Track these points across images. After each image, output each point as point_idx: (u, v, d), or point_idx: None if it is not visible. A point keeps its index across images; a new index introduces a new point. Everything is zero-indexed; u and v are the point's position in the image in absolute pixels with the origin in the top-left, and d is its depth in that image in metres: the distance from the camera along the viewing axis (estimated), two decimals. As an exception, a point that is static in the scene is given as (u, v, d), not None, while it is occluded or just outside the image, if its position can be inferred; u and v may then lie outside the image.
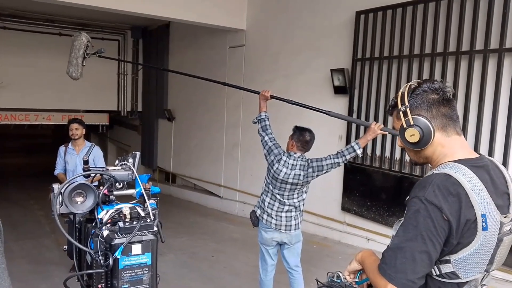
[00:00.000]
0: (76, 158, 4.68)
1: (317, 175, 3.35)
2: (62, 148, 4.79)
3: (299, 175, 3.32)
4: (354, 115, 5.57)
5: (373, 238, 5.41)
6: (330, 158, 3.32)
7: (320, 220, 6.20)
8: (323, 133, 5.61)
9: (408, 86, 1.44)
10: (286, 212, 3.42)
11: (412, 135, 1.39)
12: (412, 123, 1.39)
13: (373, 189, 5.40)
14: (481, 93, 4.36)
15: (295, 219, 3.46)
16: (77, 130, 4.65)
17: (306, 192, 3.51)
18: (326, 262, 5.14)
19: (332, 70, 5.72)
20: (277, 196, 3.41)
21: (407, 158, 5.00)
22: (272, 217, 3.43)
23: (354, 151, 3.30)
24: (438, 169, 1.34)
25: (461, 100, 4.51)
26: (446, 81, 4.59)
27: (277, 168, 3.35)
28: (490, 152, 4.25)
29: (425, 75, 4.78)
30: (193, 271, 5.04)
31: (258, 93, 3.62)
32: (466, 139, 4.54)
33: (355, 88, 5.58)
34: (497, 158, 4.21)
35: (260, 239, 3.56)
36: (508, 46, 4.16)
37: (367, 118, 5.41)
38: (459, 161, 1.34)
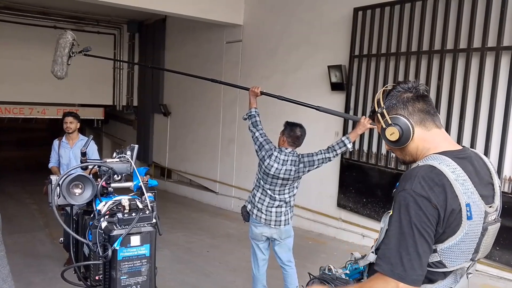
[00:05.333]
0: (69, 152, 4.66)
1: (308, 170, 3.36)
2: (56, 142, 4.78)
3: (290, 170, 3.32)
4: (351, 112, 5.58)
5: (369, 234, 5.42)
6: (321, 153, 3.33)
7: (316, 216, 6.21)
8: (319, 129, 5.62)
9: (382, 90, 1.51)
10: (276, 207, 3.44)
11: (392, 133, 1.44)
12: (390, 122, 1.44)
13: (369, 185, 5.42)
14: (478, 90, 4.37)
15: (285, 215, 3.48)
16: (71, 124, 4.62)
17: (297, 188, 3.52)
18: (321, 258, 5.15)
19: (329, 67, 5.72)
20: (268, 191, 3.42)
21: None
22: (262, 212, 3.44)
23: (345, 145, 3.32)
24: (422, 161, 1.38)
25: (458, 98, 4.53)
26: (443, 78, 4.61)
27: (268, 164, 3.35)
28: (486, 150, 4.27)
29: (422, 72, 4.79)
30: (188, 266, 5.03)
31: (248, 89, 3.59)
32: (462, 136, 4.57)
33: (352, 84, 5.58)
34: (493, 156, 4.23)
35: (251, 234, 3.59)
36: (506, 44, 4.17)
37: (363, 115, 5.40)
38: (443, 153, 1.37)
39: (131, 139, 11.44)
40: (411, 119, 1.42)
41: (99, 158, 4.00)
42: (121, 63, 11.24)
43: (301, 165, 3.32)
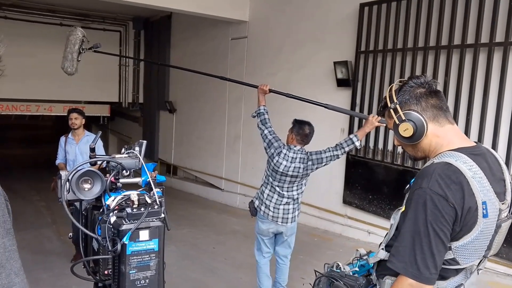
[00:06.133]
0: (75, 148, 4.70)
1: (317, 168, 3.40)
2: (62, 138, 4.84)
3: (299, 167, 3.36)
4: (357, 108, 5.56)
5: (374, 231, 5.41)
6: (330, 151, 3.37)
7: (322, 213, 6.21)
8: (325, 126, 5.60)
9: (394, 85, 1.49)
10: (284, 204, 3.48)
11: (406, 129, 1.42)
12: (403, 118, 1.42)
13: (375, 182, 5.40)
14: (485, 86, 4.34)
15: (292, 212, 3.52)
16: (76, 120, 4.67)
17: (305, 185, 3.56)
18: (327, 255, 5.15)
19: (335, 63, 5.69)
20: (277, 188, 3.46)
21: (409, 151, 4.99)
22: (269, 209, 3.49)
23: (353, 143, 3.36)
24: (438, 158, 1.37)
25: (466, 93, 4.50)
26: (450, 74, 4.58)
27: (277, 161, 3.39)
28: (494, 146, 4.24)
29: (429, 68, 4.76)
30: (194, 262, 5.05)
31: (256, 87, 3.64)
32: (470, 132, 4.54)
33: (358, 81, 5.56)
34: (501, 152, 4.20)
35: (257, 229, 3.64)
36: (514, 39, 4.13)
37: (370, 111, 5.39)
38: (458, 149, 1.36)
39: (137, 136, 11.47)
40: (424, 115, 1.41)
41: (104, 154, 4.03)
42: (127, 60, 11.26)
43: (310, 163, 3.36)
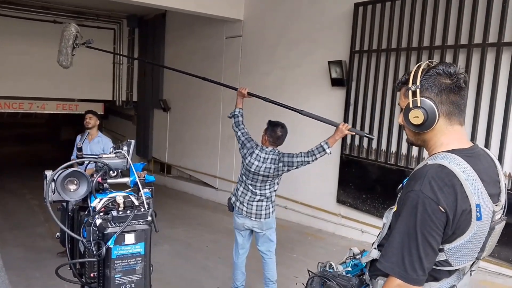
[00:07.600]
0: (87, 147, 4.93)
1: (288, 170, 3.54)
2: (78, 137, 5.07)
3: (270, 168, 3.52)
4: (351, 108, 5.56)
5: (368, 230, 5.42)
6: (301, 156, 3.49)
7: (315, 212, 6.21)
8: (319, 125, 5.58)
9: (422, 65, 1.39)
10: (257, 201, 3.64)
11: (416, 117, 1.36)
12: (419, 104, 1.35)
13: (369, 182, 5.40)
14: (478, 86, 4.35)
15: (266, 209, 3.67)
16: (90, 119, 4.99)
17: (277, 184, 3.72)
18: (320, 253, 5.14)
19: (329, 62, 5.68)
20: (250, 186, 3.64)
21: (403, 151, 5.00)
22: (243, 205, 3.66)
23: (324, 150, 3.45)
24: (431, 159, 1.34)
25: (459, 94, 4.50)
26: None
27: (249, 161, 3.58)
28: (487, 146, 4.25)
29: (423, 68, 4.75)
30: (188, 261, 5.04)
31: (236, 89, 3.81)
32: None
33: (352, 80, 5.56)
34: (493, 152, 4.21)
35: (234, 224, 3.82)
36: (507, 40, 4.14)
37: (364, 111, 5.40)
38: (453, 151, 1.33)
39: (131, 135, 11.42)
40: (440, 108, 1.34)
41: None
42: (121, 58, 11.19)
43: (281, 164, 3.51)
